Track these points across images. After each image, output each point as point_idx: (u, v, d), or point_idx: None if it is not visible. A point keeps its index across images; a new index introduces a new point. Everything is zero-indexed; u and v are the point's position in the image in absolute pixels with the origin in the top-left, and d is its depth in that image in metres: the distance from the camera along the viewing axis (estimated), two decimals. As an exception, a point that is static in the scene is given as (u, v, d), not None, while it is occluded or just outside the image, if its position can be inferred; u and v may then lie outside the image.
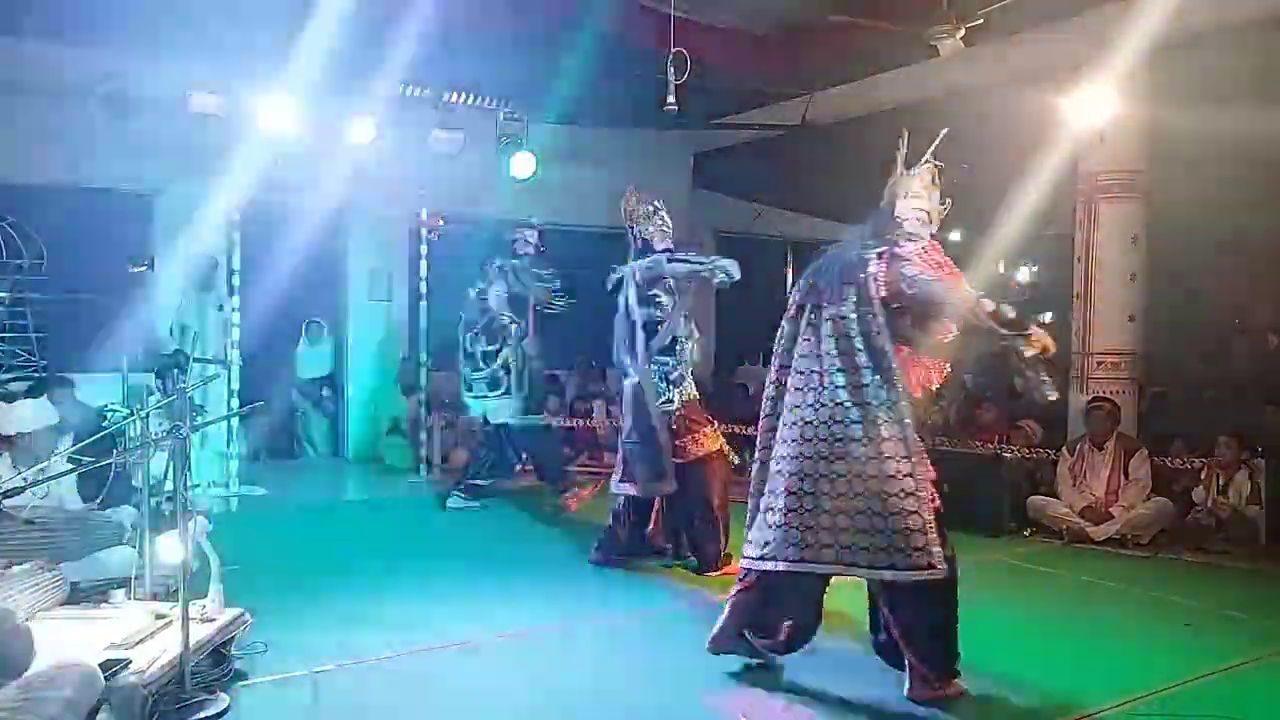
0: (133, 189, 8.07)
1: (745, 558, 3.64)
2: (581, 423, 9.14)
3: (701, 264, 5.29)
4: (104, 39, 7.10)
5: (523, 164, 8.66)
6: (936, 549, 3.34)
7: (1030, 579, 5.53)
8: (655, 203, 5.52)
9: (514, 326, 7.10)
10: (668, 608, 4.78)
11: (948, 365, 3.68)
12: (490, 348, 7.10)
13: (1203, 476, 6.35)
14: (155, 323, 7.79)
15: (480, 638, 4.19)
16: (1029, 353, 3.28)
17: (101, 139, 7.53)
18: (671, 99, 6.42)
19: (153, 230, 8.18)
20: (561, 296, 7.25)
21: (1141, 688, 3.69)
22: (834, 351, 3.49)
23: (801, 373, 3.55)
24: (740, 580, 3.70)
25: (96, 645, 3.25)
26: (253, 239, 7.69)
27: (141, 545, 3.83)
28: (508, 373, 7.03)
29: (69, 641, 3.28)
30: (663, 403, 5.25)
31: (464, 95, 8.57)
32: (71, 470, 4.23)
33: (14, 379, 6.39)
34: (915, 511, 3.33)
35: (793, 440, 3.51)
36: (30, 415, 4.34)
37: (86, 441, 4.39)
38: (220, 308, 7.81)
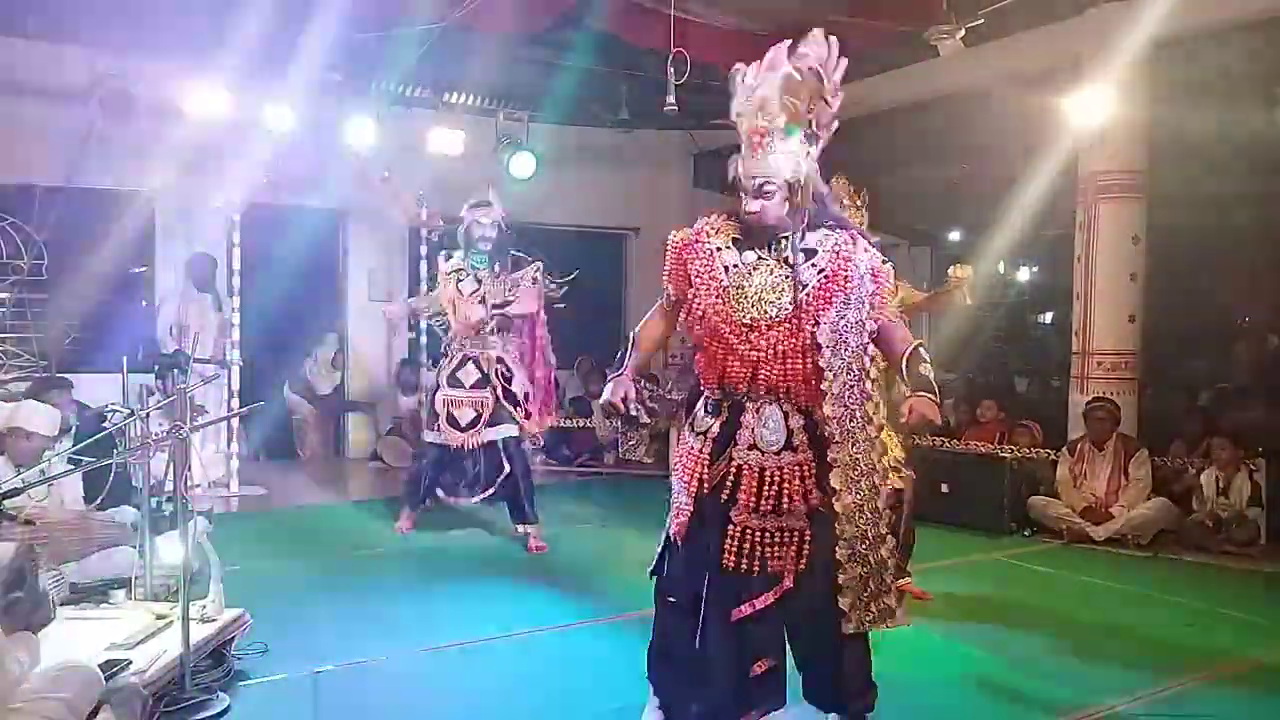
0: (133, 189, 8.07)
1: None
2: (580, 423, 9.14)
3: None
4: (104, 39, 7.10)
5: (523, 164, 8.66)
6: None
7: (1030, 579, 5.52)
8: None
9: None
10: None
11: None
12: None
13: (1202, 478, 6.34)
14: (155, 323, 7.80)
15: (482, 638, 4.19)
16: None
17: (101, 139, 7.53)
18: (671, 99, 6.42)
19: (153, 230, 8.18)
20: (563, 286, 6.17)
21: (1141, 688, 3.70)
22: None
23: None
24: None
25: (97, 645, 3.25)
26: (253, 239, 7.69)
27: (142, 545, 3.84)
28: None
29: (69, 642, 3.28)
30: None
31: (464, 95, 8.58)
32: (71, 471, 4.24)
33: (14, 379, 6.39)
34: None
35: None
36: (39, 417, 4.35)
37: (87, 442, 4.40)
38: (220, 308, 7.82)
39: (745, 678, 2.88)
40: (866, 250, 2.87)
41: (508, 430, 5.82)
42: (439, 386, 5.90)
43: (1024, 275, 12.63)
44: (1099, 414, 6.53)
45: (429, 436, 5.96)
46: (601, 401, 2.95)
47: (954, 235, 12.21)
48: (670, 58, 6.26)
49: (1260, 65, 6.59)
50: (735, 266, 2.84)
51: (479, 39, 7.70)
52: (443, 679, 3.78)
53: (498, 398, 5.79)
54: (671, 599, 3.01)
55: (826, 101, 2.77)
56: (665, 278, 2.99)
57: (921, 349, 2.85)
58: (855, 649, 2.90)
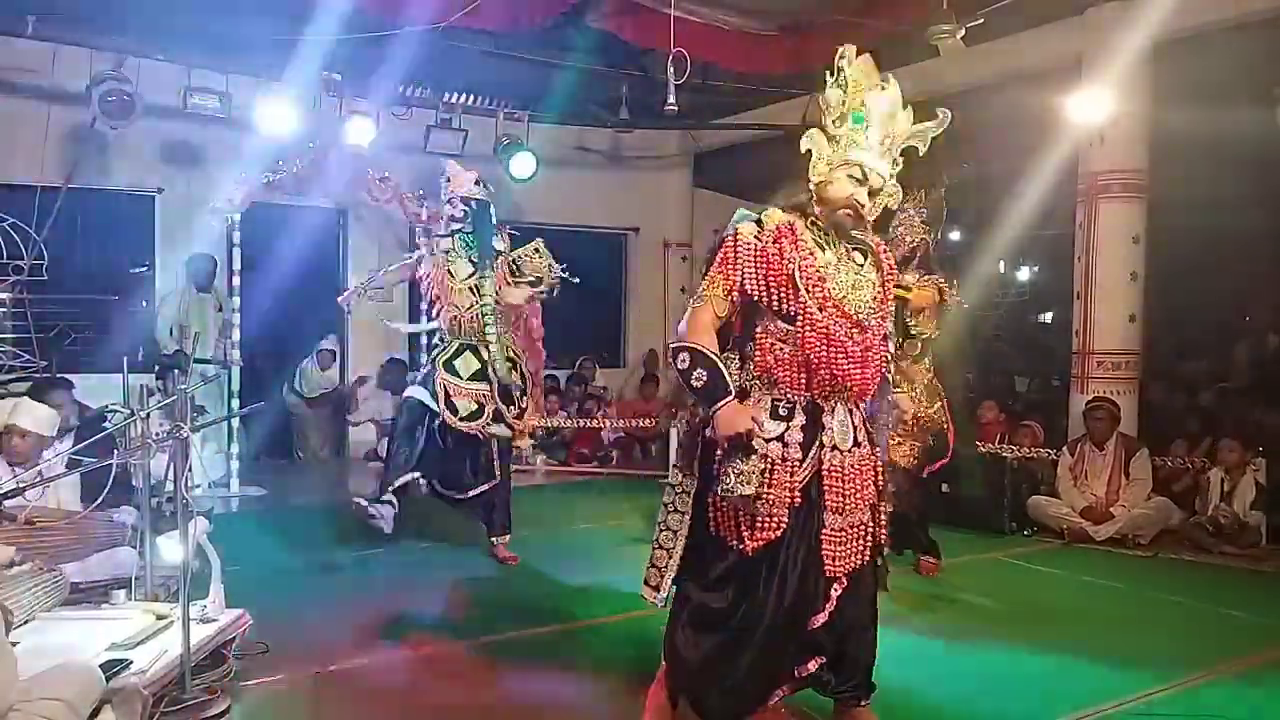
0: (133, 189, 8.07)
1: None
2: (582, 423, 9.14)
3: None
4: (104, 39, 7.11)
5: (523, 164, 8.66)
6: None
7: (1030, 579, 5.52)
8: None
9: None
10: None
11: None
12: None
13: (1210, 476, 6.31)
14: (155, 323, 7.80)
15: (482, 638, 4.18)
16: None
17: (101, 139, 7.53)
18: (671, 99, 6.42)
19: (153, 230, 8.18)
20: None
21: (1142, 688, 3.69)
22: None
23: None
24: None
25: (97, 645, 3.25)
26: (253, 239, 7.69)
27: (142, 546, 3.84)
28: None
29: (70, 642, 3.28)
30: None
31: (464, 95, 8.58)
32: (71, 471, 4.24)
33: (14, 379, 6.38)
34: None
35: None
36: (34, 415, 4.35)
37: (87, 442, 4.40)
38: (220, 308, 7.81)
39: (789, 675, 3.01)
40: None
41: (503, 431, 5.36)
42: (433, 370, 5.29)
43: (1024, 275, 12.64)
44: (1099, 414, 6.53)
45: (417, 393, 5.26)
46: (733, 434, 2.66)
47: (954, 235, 12.22)
48: (670, 58, 6.26)
49: (1260, 65, 6.60)
50: (828, 265, 2.83)
51: (479, 39, 7.71)
52: (444, 679, 3.77)
53: (495, 394, 5.29)
54: (716, 607, 2.85)
55: None
56: (741, 278, 2.79)
57: None
58: (873, 631, 3.03)
